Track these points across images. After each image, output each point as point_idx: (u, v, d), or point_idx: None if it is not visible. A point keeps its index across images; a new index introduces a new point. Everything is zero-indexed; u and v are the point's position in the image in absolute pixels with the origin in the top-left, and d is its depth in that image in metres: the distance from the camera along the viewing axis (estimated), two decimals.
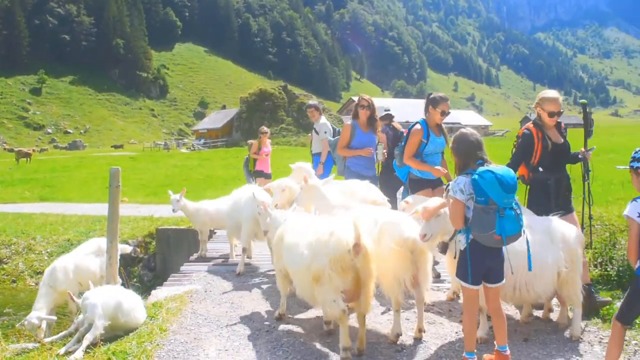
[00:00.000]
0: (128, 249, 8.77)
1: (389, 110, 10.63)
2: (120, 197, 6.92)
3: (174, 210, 9.75)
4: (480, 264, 4.77)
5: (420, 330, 5.71)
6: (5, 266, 14.16)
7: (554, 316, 6.33)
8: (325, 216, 6.12)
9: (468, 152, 4.88)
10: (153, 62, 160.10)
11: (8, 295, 12.85)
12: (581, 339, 5.60)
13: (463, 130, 5.07)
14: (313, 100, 13.19)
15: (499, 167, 4.71)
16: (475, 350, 4.85)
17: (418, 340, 5.63)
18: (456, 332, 5.88)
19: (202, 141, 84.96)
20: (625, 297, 4.62)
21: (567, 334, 5.78)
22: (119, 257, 7.35)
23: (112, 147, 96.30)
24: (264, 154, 14.41)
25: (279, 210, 6.71)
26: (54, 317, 7.44)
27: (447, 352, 5.38)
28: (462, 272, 4.82)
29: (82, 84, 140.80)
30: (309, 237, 5.33)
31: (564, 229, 5.70)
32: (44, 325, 7.19)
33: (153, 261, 13.93)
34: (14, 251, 14.73)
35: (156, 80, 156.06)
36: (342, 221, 5.31)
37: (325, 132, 11.09)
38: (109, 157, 58.31)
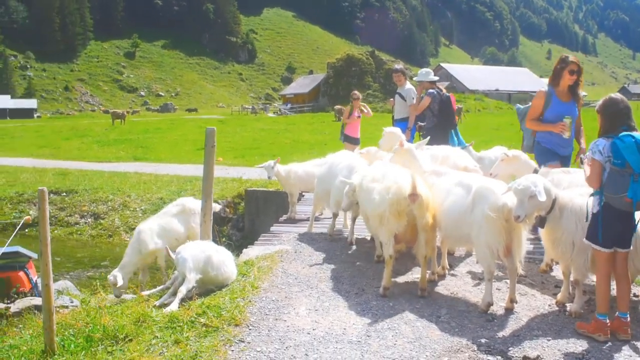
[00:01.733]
0: (217, 207, 8.85)
1: (431, 72, 10.63)
2: (215, 157, 7.07)
3: (269, 177, 9.99)
4: (612, 226, 4.85)
5: (512, 300, 5.60)
6: (102, 221, 14.87)
7: None
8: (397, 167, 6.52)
9: (615, 117, 4.96)
10: (242, 27, 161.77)
11: (105, 249, 13.52)
12: None
13: (613, 95, 5.16)
14: (399, 65, 12.98)
15: None
16: (608, 312, 4.95)
17: (509, 311, 5.53)
18: (549, 305, 5.74)
19: (289, 106, 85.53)
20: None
21: None
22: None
23: (186, 110, 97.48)
24: (355, 117, 14.20)
25: None
26: (125, 285, 7.66)
27: (540, 324, 5.26)
28: (593, 234, 4.94)
29: (174, 48, 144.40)
30: (380, 185, 6.07)
31: None
32: (120, 282, 7.47)
33: (242, 221, 14.25)
34: (110, 207, 15.42)
35: (245, 45, 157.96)
36: (406, 173, 6.04)
37: (413, 98, 10.98)
38: (199, 119, 59.75)
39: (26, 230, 14.98)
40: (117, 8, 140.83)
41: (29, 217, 12.39)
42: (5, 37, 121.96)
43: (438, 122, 9.74)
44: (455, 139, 10.09)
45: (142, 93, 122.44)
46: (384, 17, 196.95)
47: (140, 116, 78.67)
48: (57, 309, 6.11)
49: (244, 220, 14.28)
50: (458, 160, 7.24)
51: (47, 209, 4.90)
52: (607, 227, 4.83)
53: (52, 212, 15.70)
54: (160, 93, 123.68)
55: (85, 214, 15.33)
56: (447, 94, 10.12)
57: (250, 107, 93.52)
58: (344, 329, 5.09)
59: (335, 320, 5.28)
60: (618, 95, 5.12)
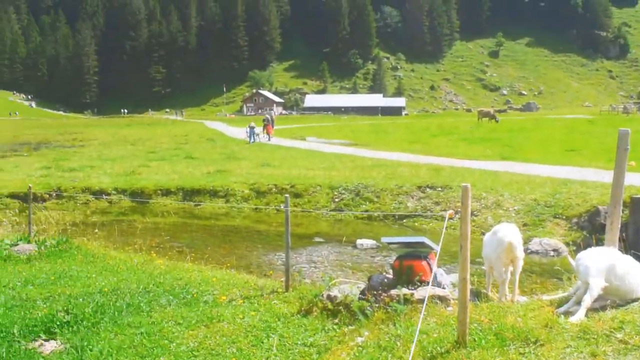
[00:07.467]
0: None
1: None
2: (627, 161, 6.58)
3: None
4: None
5: None
6: (475, 218, 15.05)
7: None
8: None
9: None
10: (613, 20, 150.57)
11: (477, 245, 13.63)
12: None
13: None
14: None
15: None
16: None
17: None
18: None
19: None
20: None
21: None
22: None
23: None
24: None
25: None
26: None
27: None
28: None
29: (538, 45, 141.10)
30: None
31: None
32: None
33: (624, 231, 13.16)
34: (483, 205, 15.58)
35: (616, 40, 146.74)
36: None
37: None
38: (564, 119, 57.38)
39: (404, 220, 16.08)
40: (482, 7, 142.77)
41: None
42: (380, 40, 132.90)
43: None
44: None
45: (504, 92, 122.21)
46: None
47: (505, 115, 78.68)
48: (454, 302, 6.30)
49: (627, 229, 13.15)
50: None
51: (469, 204, 5.04)
52: None
53: (428, 205, 16.53)
54: (523, 92, 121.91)
55: (459, 210, 15.69)
56: None
57: (621, 106, 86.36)
58: None
59: None
60: None
